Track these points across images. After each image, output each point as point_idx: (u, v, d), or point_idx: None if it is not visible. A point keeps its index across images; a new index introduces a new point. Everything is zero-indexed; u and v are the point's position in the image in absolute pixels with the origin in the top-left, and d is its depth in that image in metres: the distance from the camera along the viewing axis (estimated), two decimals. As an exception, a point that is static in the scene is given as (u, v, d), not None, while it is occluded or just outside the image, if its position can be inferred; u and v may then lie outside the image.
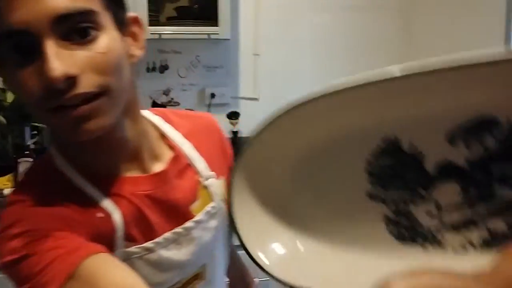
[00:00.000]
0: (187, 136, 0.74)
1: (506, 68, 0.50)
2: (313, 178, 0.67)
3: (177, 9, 2.19)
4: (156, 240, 0.67)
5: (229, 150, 0.82)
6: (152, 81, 2.26)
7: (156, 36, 1.98)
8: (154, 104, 2.28)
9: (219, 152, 0.79)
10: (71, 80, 0.53)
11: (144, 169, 0.68)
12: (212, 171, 0.74)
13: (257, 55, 2.39)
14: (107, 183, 0.64)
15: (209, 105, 2.31)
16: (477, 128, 0.57)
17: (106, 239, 0.62)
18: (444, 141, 0.58)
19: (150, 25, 1.95)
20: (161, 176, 0.68)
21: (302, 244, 0.68)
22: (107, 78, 0.56)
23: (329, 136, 0.62)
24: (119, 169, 0.66)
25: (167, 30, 2.00)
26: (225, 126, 2.33)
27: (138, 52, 0.65)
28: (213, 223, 0.74)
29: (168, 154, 0.72)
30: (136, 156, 0.68)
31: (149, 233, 0.67)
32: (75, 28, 0.54)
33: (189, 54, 2.29)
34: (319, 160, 0.65)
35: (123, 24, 0.62)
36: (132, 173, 0.67)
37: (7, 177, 1.81)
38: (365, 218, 0.64)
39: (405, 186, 0.62)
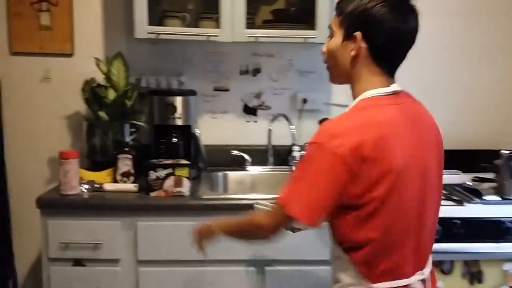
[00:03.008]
0: None
1: None
2: None
3: (273, 12, 2.18)
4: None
5: None
6: (244, 83, 2.27)
7: (252, 39, 1.97)
8: (246, 107, 2.28)
9: None
10: (323, 54, 1.20)
11: None
12: None
13: (353, 60, 2.30)
14: None
15: (301, 110, 2.27)
16: None
17: None
18: None
19: (247, 27, 1.95)
20: None
21: None
22: (326, 56, 1.19)
23: None
24: None
25: (263, 33, 1.98)
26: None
27: (351, 52, 1.12)
28: None
29: None
30: None
31: None
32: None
33: (281, 57, 2.26)
34: None
35: (347, 38, 1.13)
36: None
37: (107, 171, 1.90)
38: None
39: None
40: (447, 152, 2.31)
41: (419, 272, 1.12)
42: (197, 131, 2.11)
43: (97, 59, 2.00)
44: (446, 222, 1.73)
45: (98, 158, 2.00)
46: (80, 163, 1.80)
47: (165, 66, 2.22)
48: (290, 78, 2.27)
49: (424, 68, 2.31)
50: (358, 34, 1.09)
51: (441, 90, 2.33)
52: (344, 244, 1.10)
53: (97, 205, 1.71)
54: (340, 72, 1.16)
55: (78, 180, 1.76)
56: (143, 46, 2.18)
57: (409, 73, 2.31)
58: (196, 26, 2.04)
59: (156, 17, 2.04)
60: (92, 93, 1.99)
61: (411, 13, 1.13)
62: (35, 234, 2.20)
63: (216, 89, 2.27)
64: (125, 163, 1.86)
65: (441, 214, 1.74)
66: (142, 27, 1.89)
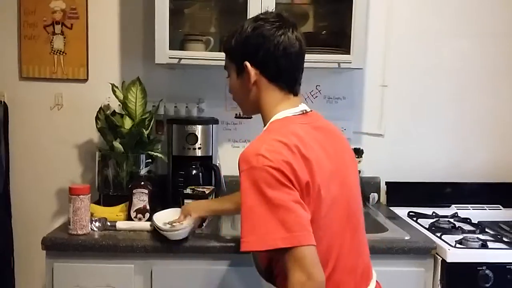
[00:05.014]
0: None
1: None
2: None
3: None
4: None
5: None
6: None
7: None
8: (270, 136, 2.12)
9: None
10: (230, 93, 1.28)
11: None
12: None
13: (385, 86, 2.14)
14: None
15: (330, 140, 2.10)
16: None
17: None
18: None
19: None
20: None
21: None
22: (232, 94, 1.25)
23: None
24: None
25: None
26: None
27: (249, 82, 1.16)
28: None
29: None
30: None
31: None
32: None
33: (308, 83, 2.11)
34: None
35: (240, 71, 1.18)
36: None
37: (120, 207, 1.73)
38: None
39: None
40: (485, 185, 2.19)
41: None
42: (217, 162, 1.95)
43: (113, 85, 1.85)
44: (499, 269, 1.53)
45: (110, 192, 1.83)
46: (90, 197, 1.63)
47: (184, 92, 2.07)
48: (317, 105, 2.11)
49: (468, 98, 2.19)
50: (246, 63, 1.14)
51: (487, 121, 2.19)
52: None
53: (109, 247, 1.53)
54: (248, 104, 1.20)
55: (89, 218, 1.58)
56: (161, 71, 2.04)
57: (455, 103, 2.20)
58: (219, 50, 1.90)
59: (177, 41, 1.90)
60: (106, 121, 1.84)
61: (289, 26, 1.14)
62: (40, 275, 2.03)
63: (238, 117, 2.12)
64: (140, 199, 1.69)
65: (492, 259, 1.58)
66: (163, 52, 1.75)
